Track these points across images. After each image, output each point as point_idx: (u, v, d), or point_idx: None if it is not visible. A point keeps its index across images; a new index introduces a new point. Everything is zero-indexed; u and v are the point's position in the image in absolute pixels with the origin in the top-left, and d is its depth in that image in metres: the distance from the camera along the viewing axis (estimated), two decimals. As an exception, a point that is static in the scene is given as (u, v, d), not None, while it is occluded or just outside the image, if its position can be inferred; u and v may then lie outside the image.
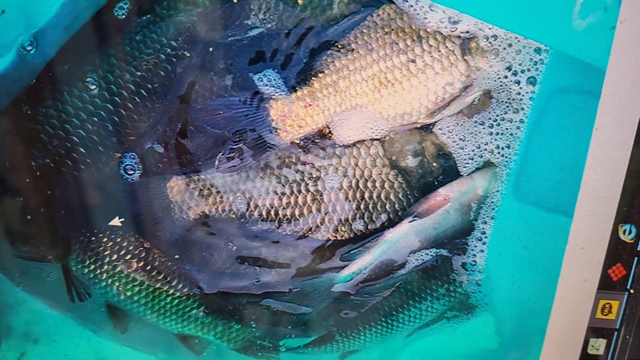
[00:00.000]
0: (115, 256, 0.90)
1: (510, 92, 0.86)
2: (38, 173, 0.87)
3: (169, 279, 0.92)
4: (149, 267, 0.91)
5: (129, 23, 0.85)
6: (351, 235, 0.92)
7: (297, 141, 0.88)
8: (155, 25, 0.85)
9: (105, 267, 0.91)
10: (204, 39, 0.86)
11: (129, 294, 0.92)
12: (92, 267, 0.91)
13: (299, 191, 0.89)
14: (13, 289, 0.92)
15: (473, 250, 0.92)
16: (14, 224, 0.89)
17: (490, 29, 0.84)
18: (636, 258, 0.91)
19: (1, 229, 0.89)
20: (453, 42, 0.84)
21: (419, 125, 0.89)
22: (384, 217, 0.91)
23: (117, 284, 0.91)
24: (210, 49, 0.86)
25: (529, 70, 0.85)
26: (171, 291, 0.92)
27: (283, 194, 0.89)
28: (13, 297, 0.92)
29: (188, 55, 0.86)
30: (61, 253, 0.90)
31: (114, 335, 0.95)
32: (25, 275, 0.92)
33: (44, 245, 0.90)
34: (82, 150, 0.86)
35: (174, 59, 0.86)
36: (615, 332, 0.96)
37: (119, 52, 0.85)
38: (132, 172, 0.88)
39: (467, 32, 0.84)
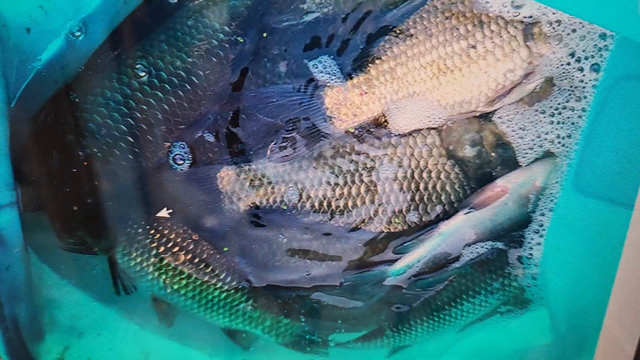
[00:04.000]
0: (162, 248, 0.91)
1: (573, 79, 0.85)
2: (85, 163, 0.87)
3: (217, 272, 0.93)
4: (196, 260, 0.92)
5: (180, 8, 0.85)
6: (405, 228, 0.93)
7: (352, 130, 0.89)
8: (208, 9, 0.85)
9: (152, 259, 0.92)
10: (257, 24, 0.86)
11: (175, 287, 0.93)
12: (139, 259, 0.92)
13: (353, 182, 0.90)
14: (58, 282, 0.93)
15: (530, 242, 0.93)
16: (60, 216, 0.89)
17: (554, 13, 0.84)
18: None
19: (47, 221, 0.89)
20: (515, 27, 0.84)
21: (477, 114, 0.89)
22: (439, 208, 0.91)
23: (163, 277, 0.92)
24: (265, 35, 0.87)
25: (592, 57, 0.85)
26: (219, 284, 0.93)
27: (336, 184, 0.90)
28: (58, 290, 0.93)
29: (241, 41, 0.86)
30: (107, 245, 0.91)
31: (159, 330, 0.96)
32: (71, 268, 0.93)
33: (90, 237, 0.90)
34: (130, 139, 0.87)
35: (227, 45, 0.86)
36: (673, 327, 0.96)
37: (170, 38, 0.86)
38: (181, 162, 0.89)
39: (530, 17, 0.84)
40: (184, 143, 0.89)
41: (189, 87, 0.86)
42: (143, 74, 0.86)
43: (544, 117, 0.89)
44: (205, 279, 0.94)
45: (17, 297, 0.91)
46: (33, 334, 0.94)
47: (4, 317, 0.89)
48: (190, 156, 0.89)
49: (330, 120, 0.88)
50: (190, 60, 0.86)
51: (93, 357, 0.96)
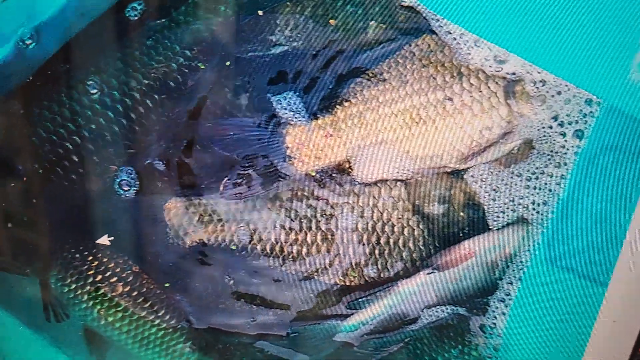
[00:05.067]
0: (99, 277, 0.85)
1: (553, 144, 0.80)
2: (25, 178, 0.82)
3: (155, 307, 0.87)
4: (135, 293, 0.86)
5: (141, 26, 0.80)
6: (361, 282, 0.87)
7: (313, 173, 0.83)
8: (170, 31, 0.80)
9: (88, 287, 0.86)
10: (221, 52, 0.81)
11: (110, 319, 0.86)
12: (73, 286, 0.86)
13: (309, 228, 0.84)
14: (-16, 301, 0.86)
15: (494, 311, 0.86)
16: None
17: (539, 72, 0.78)
18: (674, 340, 0.85)
19: (-22, 235, 0.83)
20: (497, 83, 0.79)
21: (449, 170, 0.84)
22: (399, 265, 0.85)
23: (98, 307, 0.86)
24: (228, 63, 0.82)
25: (576, 122, 0.79)
26: (157, 321, 0.87)
27: (291, 229, 0.84)
28: (-17, 309, 0.86)
29: (202, 67, 0.81)
30: (41, 268, 0.85)
31: (89, 363, 0.89)
32: (-1, 288, 0.86)
33: (23, 257, 0.84)
34: (75, 158, 0.82)
35: (187, 70, 0.81)
36: (641, 416, 0.89)
37: (127, 57, 0.81)
38: (127, 188, 0.83)
39: (514, 73, 0.78)
40: (131, 168, 0.83)
41: (142, 110, 0.81)
42: (95, 91, 0.81)
43: (520, 181, 0.83)
44: (142, 314, 0.87)
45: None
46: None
47: None
48: (137, 183, 0.84)
49: (290, 160, 0.82)
50: (146, 82, 0.80)
51: (14, 384, 0.89)
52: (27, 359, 0.90)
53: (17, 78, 0.81)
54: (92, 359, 0.91)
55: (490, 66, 0.79)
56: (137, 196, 0.84)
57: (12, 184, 0.83)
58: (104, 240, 0.85)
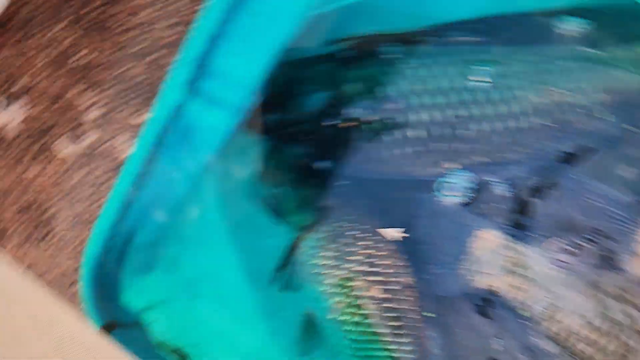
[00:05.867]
0: (361, 268, 0.70)
1: None
2: (355, 124, 0.67)
3: (402, 332, 0.72)
4: (389, 305, 0.71)
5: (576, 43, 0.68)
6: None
7: (652, 282, 0.71)
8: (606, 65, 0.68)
9: (340, 272, 0.70)
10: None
11: (343, 318, 0.70)
12: (326, 262, 0.69)
13: (614, 335, 0.70)
14: (216, 224, 0.70)
15: None
16: (285, 157, 0.68)
17: None
18: None
19: (265, 151, 0.68)
20: None
21: None
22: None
23: (338, 298, 0.70)
24: (641, 129, 0.70)
25: None
26: (391, 347, 0.72)
27: (593, 326, 0.70)
28: (207, 233, 0.69)
29: (612, 120, 0.69)
30: (306, 222, 0.69)
31: (286, 351, 0.73)
32: (244, 220, 0.71)
33: (297, 200, 0.69)
34: (412, 133, 0.67)
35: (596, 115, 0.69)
36: None
37: (544, 65, 0.68)
38: (449, 192, 0.69)
39: None
40: (470, 175, 0.69)
41: (524, 124, 0.68)
42: (486, 78, 0.68)
43: None
44: (379, 330, 0.71)
45: (158, 205, 0.67)
46: (138, 262, 0.70)
47: (123, 216, 0.65)
48: (466, 194, 0.69)
49: (636, 256, 0.70)
50: (552, 98, 0.68)
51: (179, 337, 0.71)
52: (215, 314, 0.73)
53: (414, 21, 0.68)
54: (295, 350, 0.74)
55: None
56: (454, 206, 0.70)
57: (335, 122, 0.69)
58: (396, 233, 0.70)
